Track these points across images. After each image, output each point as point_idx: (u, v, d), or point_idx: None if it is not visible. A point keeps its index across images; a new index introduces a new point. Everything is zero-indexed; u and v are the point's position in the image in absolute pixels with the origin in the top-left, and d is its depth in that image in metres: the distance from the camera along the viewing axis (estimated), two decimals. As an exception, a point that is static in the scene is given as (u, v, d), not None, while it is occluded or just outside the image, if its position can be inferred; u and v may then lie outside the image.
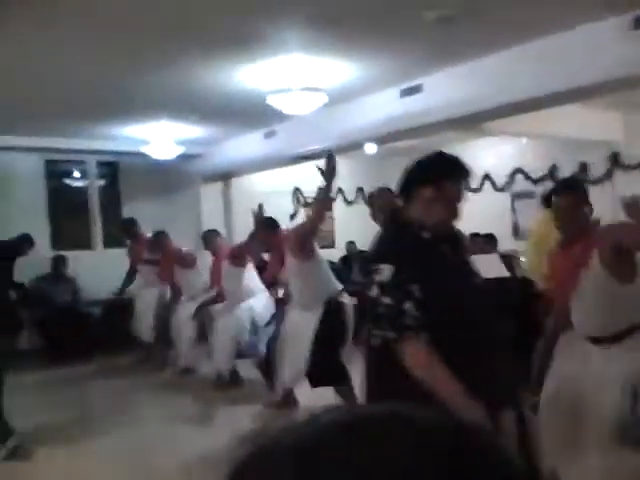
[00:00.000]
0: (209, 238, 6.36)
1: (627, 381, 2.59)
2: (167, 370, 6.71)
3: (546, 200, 3.12)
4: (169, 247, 6.75)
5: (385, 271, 2.06)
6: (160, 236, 6.77)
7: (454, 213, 2.24)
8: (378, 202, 4.32)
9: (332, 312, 4.50)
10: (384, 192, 4.33)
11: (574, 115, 6.73)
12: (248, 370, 5.78)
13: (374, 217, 4.28)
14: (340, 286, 4.75)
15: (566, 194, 3.00)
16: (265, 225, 5.26)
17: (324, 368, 4.46)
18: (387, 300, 2.04)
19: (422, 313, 2.02)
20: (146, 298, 7.06)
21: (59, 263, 8.01)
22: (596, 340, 2.78)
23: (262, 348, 5.39)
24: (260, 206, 5.44)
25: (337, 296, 4.64)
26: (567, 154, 8.07)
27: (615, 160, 7.57)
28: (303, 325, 4.53)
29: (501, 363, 2.19)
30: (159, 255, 6.86)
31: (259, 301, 5.76)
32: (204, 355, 6.14)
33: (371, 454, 0.42)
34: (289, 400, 4.95)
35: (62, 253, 8.19)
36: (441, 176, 2.22)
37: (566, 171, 8.19)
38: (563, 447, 2.76)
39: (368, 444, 0.43)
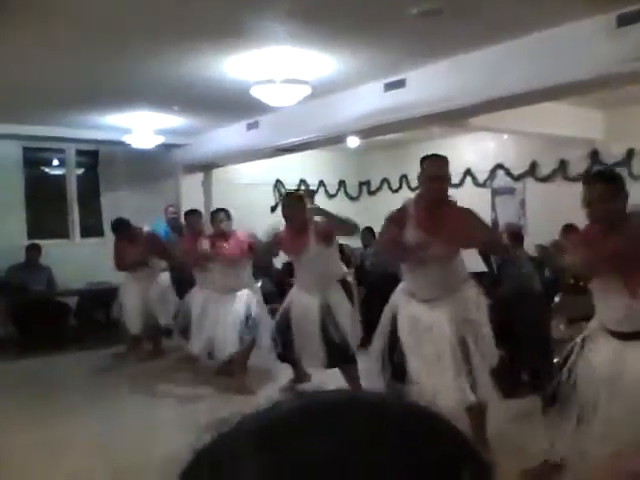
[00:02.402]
0: (193, 218, 6.26)
1: None
2: (161, 359, 6.68)
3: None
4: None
5: None
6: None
7: None
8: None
9: (346, 290, 4.83)
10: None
11: (555, 112, 6.78)
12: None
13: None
14: (345, 268, 5.13)
15: (602, 183, 3.05)
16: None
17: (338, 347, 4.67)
18: None
19: None
20: (134, 288, 6.90)
21: (33, 252, 7.88)
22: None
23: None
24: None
25: (345, 276, 5.01)
26: (548, 151, 8.15)
27: (595, 158, 7.64)
28: (315, 307, 4.73)
29: None
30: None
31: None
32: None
33: (331, 439, 0.42)
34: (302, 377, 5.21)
35: (37, 242, 8.05)
36: None
37: (547, 168, 8.28)
38: None
39: (328, 429, 0.43)
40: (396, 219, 3.71)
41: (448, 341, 3.48)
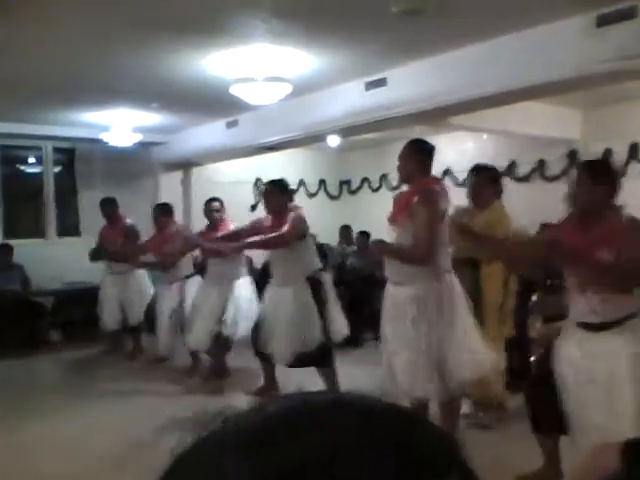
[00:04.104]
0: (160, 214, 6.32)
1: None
2: (140, 358, 6.63)
3: None
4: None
5: None
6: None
7: None
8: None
9: (314, 288, 4.68)
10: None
11: (534, 112, 6.83)
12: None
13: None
14: (320, 264, 4.94)
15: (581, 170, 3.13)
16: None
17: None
18: None
19: None
20: (111, 284, 6.87)
21: (4, 252, 7.73)
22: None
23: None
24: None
25: (317, 273, 4.82)
26: (527, 151, 8.21)
27: (573, 157, 7.71)
28: (286, 302, 4.66)
29: None
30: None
31: None
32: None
33: (316, 441, 0.41)
34: (272, 385, 5.05)
35: (8, 242, 7.90)
36: None
37: (525, 168, 8.34)
38: None
39: (313, 431, 0.42)
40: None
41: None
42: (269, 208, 4.90)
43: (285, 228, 4.63)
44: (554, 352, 3.13)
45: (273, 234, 4.66)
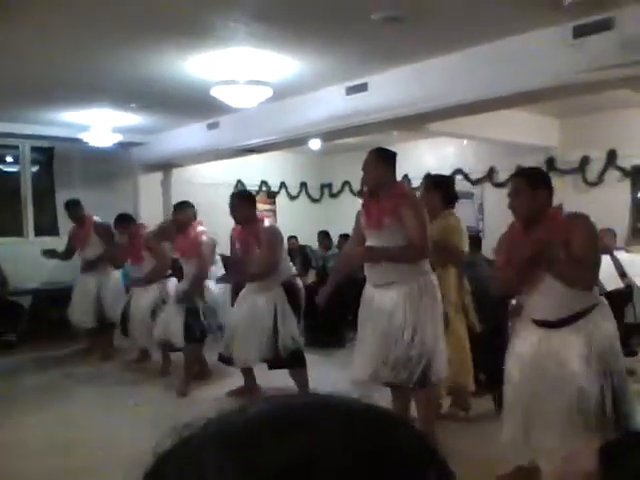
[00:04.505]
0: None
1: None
2: (116, 358, 6.59)
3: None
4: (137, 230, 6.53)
5: None
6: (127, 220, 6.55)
7: None
8: None
9: (289, 293, 4.76)
10: None
11: (513, 120, 6.92)
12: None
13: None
14: (293, 270, 5.02)
15: (517, 178, 3.25)
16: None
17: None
18: None
19: None
20: (87, 282, 6.80)
21: None
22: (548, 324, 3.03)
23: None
24: None
25: (292, 279, 4.91)
26: (505, 157, 8.29)
27: (551, 164, 7.81)
28: (260, 307, 4.73)
29: None
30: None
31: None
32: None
33: (298, 443, 0.42)
34: (253, 386, 5.07)
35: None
36: None
37: (505, 174, 8.42)
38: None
39: (295, 433, 0.43)
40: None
41: None
42: (238, 219, 4.94)
43: (267, 255, 4.72)
44: (509, 348, 3.23)
45: (263, 268, 4.72)
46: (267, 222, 5.23)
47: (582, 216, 3.01)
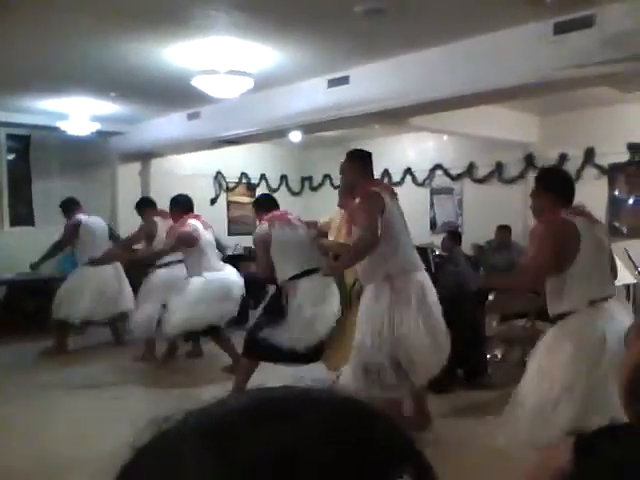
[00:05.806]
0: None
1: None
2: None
3: None
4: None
5: None
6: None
7: None
8: None
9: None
10: None
11: (493, 116, 6.95)
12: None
13: None
14: None
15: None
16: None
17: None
18: None
19: None
20: (91, 275, 6.55)
21: None
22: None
23: None
24: None
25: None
26: (485, 153, 8.35)
27: (529, 161, 7.88)
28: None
29: None
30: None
31: None
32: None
33: (277, 435, 0.42)
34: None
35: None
36: None
37: (484, 170, 8.48)
38: None
39: (275, 425, 0.43)
40: None
41: None
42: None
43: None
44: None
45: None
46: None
47: (546, 223, 3.13)
